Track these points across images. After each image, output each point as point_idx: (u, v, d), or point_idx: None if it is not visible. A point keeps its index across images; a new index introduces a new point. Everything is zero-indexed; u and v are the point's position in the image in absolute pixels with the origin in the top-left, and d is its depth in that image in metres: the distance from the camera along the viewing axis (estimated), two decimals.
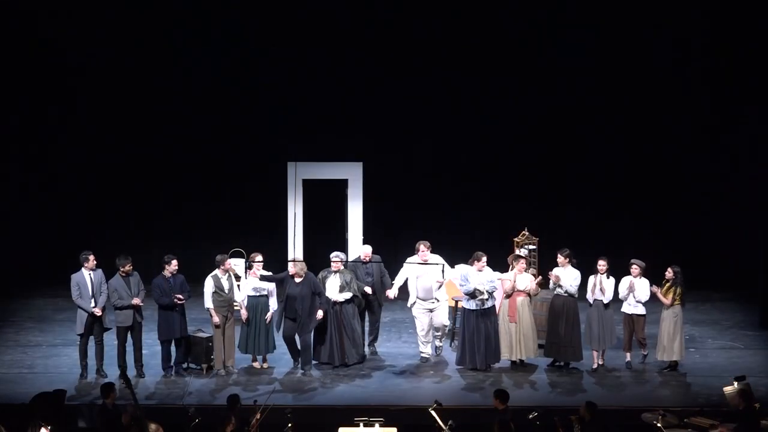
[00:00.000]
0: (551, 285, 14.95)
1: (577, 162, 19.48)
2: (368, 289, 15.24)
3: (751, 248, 18.20)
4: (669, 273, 14.77)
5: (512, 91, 19.25)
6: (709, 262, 19.01)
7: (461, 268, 16.19)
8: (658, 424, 12.00)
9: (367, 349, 15.52)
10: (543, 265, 15.98)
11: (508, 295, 14.85)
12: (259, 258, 14.90)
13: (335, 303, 14.92)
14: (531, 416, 11.92)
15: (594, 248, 17.47)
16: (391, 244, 18.79)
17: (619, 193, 19.50)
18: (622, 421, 12.75)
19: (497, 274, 15.02)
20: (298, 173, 19.14)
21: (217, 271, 14.86)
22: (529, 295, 14.91)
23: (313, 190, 19.32)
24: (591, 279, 14.90)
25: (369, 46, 19.11)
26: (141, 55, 19.04)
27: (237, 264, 17.89)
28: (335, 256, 15.14)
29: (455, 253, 16.37)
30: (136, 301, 14.56)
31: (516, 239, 16.42)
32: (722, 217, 19.10)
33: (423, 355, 15.22)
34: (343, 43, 19.11)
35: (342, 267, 15.05)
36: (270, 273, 14.98)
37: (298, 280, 14.73)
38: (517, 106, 19.32)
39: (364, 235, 19.07)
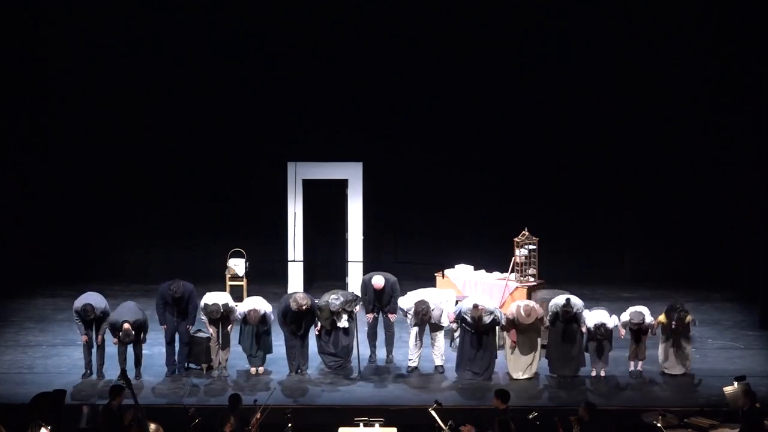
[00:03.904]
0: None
1: (577, 162, 19.45)
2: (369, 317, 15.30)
3: (751, 248, 18.19)
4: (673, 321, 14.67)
5: (513, 91, 19.23)
6: (709, 262, 19.01)
7: (461, 268, 16.20)
8: (658, 424, 12.01)
9: (385, 357, 15.48)
10: (543, 266, 15.97)
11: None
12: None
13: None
14: (531, 416, 11.93)
15: (593, 247, 17.55)
16: (391, 245, 18.82)
17: (619, 193, 19.49)
18: (622, 421, 12.74)
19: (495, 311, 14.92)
20: (298, 173, 19.12)
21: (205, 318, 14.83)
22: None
23: (313, 190, 19.31)
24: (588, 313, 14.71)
25: (369, 45, 19.10)
26: (141, 56, 19.03)
27: (237, 264, 17.92)
28: (335, 298, 14.80)
29: (455, 254, 16.39)
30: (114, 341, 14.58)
31: (516, 239, 16.40)
32: (722, 217, 19.09)
33: (410, 364, 15.10)
34: (343, 42, 19.10)
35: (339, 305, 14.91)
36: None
37: (299, 313, 14.70)
38: (518, 106, 19.30)
39: (364, 235, 19.05)
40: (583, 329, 14.56)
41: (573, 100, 19.21)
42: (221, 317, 14.69)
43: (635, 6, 18.77)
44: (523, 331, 14.58)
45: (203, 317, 14.76)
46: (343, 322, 14.78)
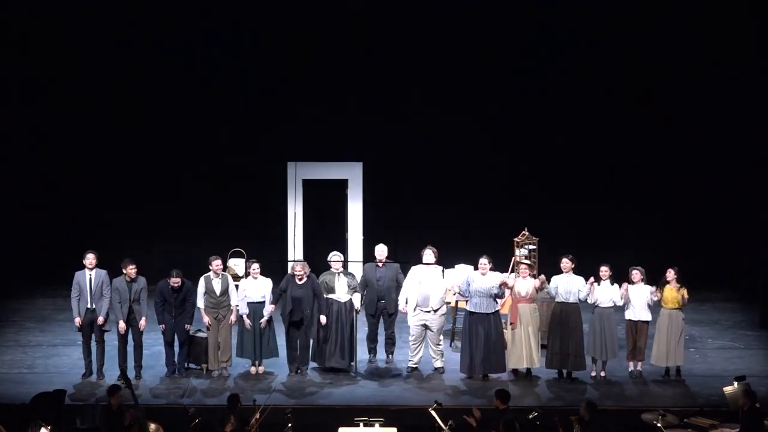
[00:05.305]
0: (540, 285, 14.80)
1: (577, 161, 19.48)
2: (356, 303, 15.10)
3: (751, 248, 18.20)
4: (670, 274, 14.66)
5: (513, 91, 19.26)
6: (709, 262, 19.01)
7: (461, 268, 16.19)
8: (658, 424, 12.00)
9: (385, 358, 15.48)
10: (543, 266, 15.96)
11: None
12: (256, 265, 14.80)
13: (344, 303, 14.85)
14: (531, 416, 11.93)
15: (593, 248, 17.53)
16: (391, 245, 18.78)
17: (619, 193, 19.51)
18: (622, 421, 12.73)
19: (502, 276, 14.91)
20: (298, 173, 19.14)
21: (210, 273, 14.83)
22: (533, 300, 14.73)
23: (313, 190, 19.32)
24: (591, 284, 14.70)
25: (369, 45, 19.12)
26: (142, 55, 19.05)
27: (237, 264, 17.92)
28: (335, 255, 15.09)
29: (455, 254, 16.38)
30: (122, 326, 14.55)
31: (516, 239, 16.41)
32: (722, 216, 19.10)
33: (410, 364, 15.09)
34: (343, 42, 19.12)
35: (341, 267, 15.00)
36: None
37: (300, 282, 14.69)
38: (518, 105, 19.33)
39: (364, 235, 19.07)
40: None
41: (573, 101, 19.24)
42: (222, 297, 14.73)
43: (633, 4, 18.79)
44: (522, 318, 14.61)
45: (201, 304, 14.73)
46: (342, 285, 14.75)
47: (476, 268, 14.84)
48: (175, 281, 14.59)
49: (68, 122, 19.30)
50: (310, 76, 19.20)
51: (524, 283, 14.67)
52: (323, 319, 14.68)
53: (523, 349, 14.59)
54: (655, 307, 14.72)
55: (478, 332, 14.54)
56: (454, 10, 18.93)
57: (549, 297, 14.89)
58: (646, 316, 14.67)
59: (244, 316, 14.71)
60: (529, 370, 14.77)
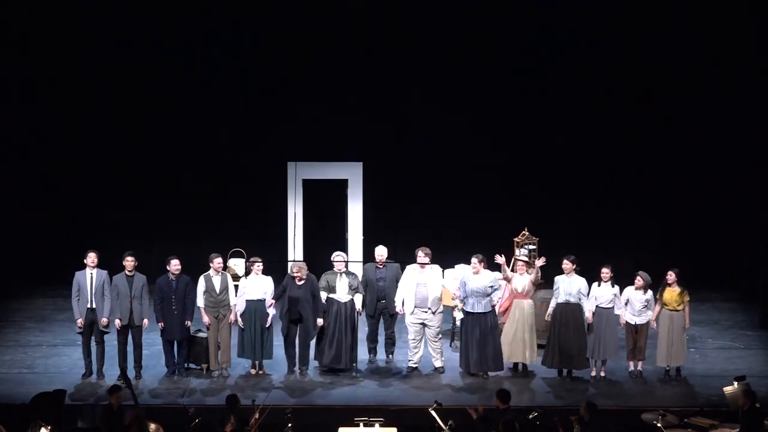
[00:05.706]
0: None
1: (577, 161, 19.47)
2: (358, 304, 15.12)
3: (751, 248, 18.20)
4: (671, 276, 14.65)
5: (513, 91, 19.25)
6: (709, 262, 19.01)
7: (461, 268, 16.20)
8: (658, 424, 12.00)
9: (385, 358, 15.48)
10: (543, 266, 15.95)
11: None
12: (259, 263, 14.81)
13: (345, 303, 14.85)
14: (531, 416, 11.93)
15: (593, 248, 17.56)
16: (391, 245, 18.79)
17: (619, 193, 19.51)
18: (622, 421, 12.74)
19: (496, 274, 14.94)
20: (298, 173, 19.13)
21: (210, 271, 14.83)
22: (529, 295, 14.77)
23: (313, 190, 19.30)
24: (593, 287, 14.72)
25: (369, 45, 19.11)
26: (141, 55, 19.04)
27: (237, 264, 17.93)
28: (338, 255, 15.08)
29: (455, 254, 16.38)
30: (117, 323, 14.54)
31: (516, 239, 16.41)
32: (722, 216, 19.10)
33: (410, 364, 15.10)
34: (343, 42, 19.11)
35: (344, 267, 15.00)
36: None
37: (300, 282, 14.69)
38: (518, 105, 19.32)
39: (364, 235, 19.05)
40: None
41: (573, 101, 19.23)
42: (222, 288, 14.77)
43: (633, 4, 18.78)
44: (518, 314, 14.64)
45: (201, 303, 14.73)
46: (343, 285, 14.74)
47: None
48: (174, 264, 14.59)
49: (68, 122, 19.29)
50: (310, 76, 19.20)
51: (521, 280, 14.76)
52: (320, 321, 14.70)
53: (519, 344, 14.65)
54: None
55: (474, 332, 14.58)
56: (454, 10, 18.92)
57: (547, 299, 14.94)
58: (644, 319, 14.68)
59: (237, 314, 14.70)
60: (524, 365, 14.81)
